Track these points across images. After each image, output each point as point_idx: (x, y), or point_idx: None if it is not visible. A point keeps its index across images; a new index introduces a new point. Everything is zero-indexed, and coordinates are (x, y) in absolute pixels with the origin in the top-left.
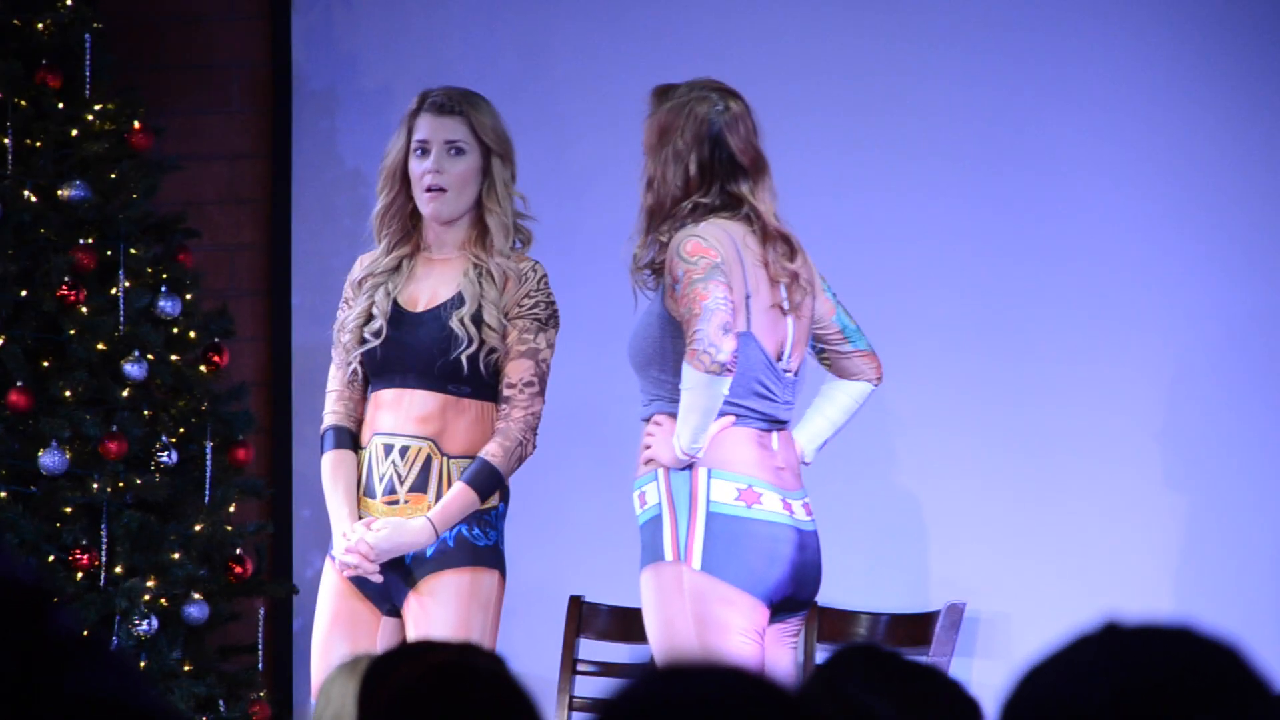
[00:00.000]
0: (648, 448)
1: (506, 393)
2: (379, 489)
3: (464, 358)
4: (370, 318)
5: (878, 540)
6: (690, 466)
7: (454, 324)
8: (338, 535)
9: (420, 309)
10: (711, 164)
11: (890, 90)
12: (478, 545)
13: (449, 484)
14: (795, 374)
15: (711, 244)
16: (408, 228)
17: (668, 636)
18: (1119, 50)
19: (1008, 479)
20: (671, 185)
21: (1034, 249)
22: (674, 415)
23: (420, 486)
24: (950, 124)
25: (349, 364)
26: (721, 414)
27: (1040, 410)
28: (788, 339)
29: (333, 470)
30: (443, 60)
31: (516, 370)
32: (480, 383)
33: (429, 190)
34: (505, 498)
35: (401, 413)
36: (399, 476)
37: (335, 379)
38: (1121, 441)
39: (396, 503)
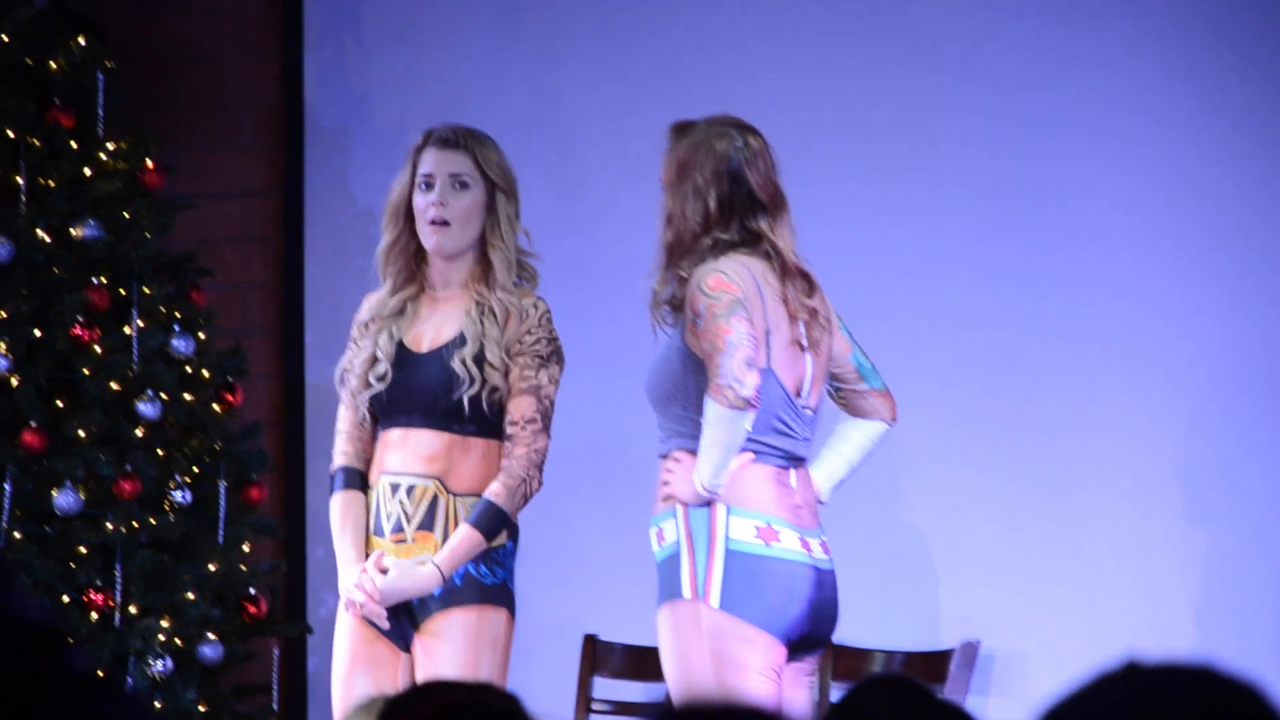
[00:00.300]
0: (666, 484)
1: (510, 430)
2: (387, 528)
3: (466, 398)
4: (375, 361)
5: (891, 577)
6: (709, 503)
7: (456, 365)
8: (345, 579)
9: (424, 349)
10: (731, 200)
11: (897, 120)
12: (485, 583)
13: (456, 522)
14: (814, 411)
15: (733, 279)
16: (412, 266)
17: (685, 675)
18: (1130, 77)
19: (1022, 514)
20: (691, 221)
21: (1046, 282)
22: (694, 451)
23: (427, 525)
24: (960, 155)
25: (357, 407)
26: (741, 450)
27: (1055, 445)
28: (807, 375)
29: (341, 512)
30: (455, 97)
31: (519, 408)
32: (484, 421)
33: (432, 223)
34: (514, 535)
35: (408, 452)
36: (406, 515)
37: (345, 419)
38: (1138, 476)
39: (404, 541)
